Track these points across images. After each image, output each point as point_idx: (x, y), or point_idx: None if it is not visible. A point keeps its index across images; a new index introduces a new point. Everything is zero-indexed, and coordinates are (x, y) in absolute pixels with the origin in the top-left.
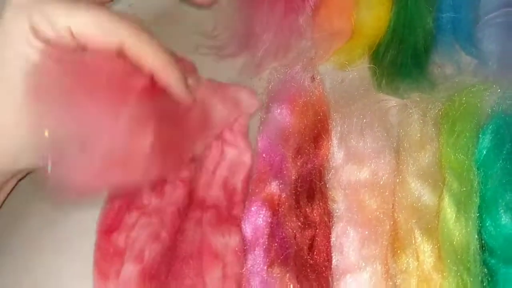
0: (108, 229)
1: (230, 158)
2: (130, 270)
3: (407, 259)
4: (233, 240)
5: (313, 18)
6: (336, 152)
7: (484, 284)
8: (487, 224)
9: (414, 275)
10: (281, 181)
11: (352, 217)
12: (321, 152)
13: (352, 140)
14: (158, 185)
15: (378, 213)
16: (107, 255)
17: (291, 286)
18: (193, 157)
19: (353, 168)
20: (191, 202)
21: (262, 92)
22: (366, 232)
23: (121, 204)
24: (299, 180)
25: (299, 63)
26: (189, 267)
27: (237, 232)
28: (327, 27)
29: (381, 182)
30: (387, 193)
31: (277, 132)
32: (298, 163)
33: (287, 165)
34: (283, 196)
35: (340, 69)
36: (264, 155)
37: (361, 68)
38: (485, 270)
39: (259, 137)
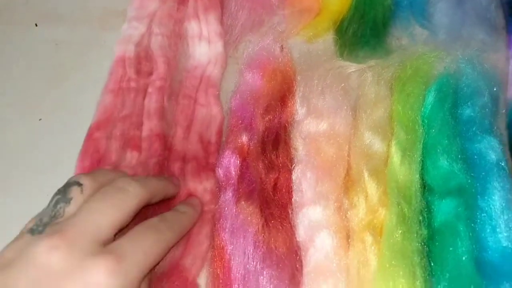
0: None
1: (202, 116)
2: None
3: (357, 196)
4: (209, 183)
5: None
6: (299, 109)
7: (423, 215)
8: (427, 166)
9: (362, 208)
10: (250, 133)
11: (310, 161)
12: (287, 109)
13: (313, 99)
14: (133, 140)
15: (333, 158)
16: None
17: (256, 215)
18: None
19: (313, 121)
20: (170, 154)
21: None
22: (321, 173)
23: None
24: (266, 132)
25: (271, 36)
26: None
27: (213, 177)
28: (297, 5)
29: (338, 133)
30: (342, 142)
31: (249, 93)
32: (266, 119)
33: (256, 120)
34: (251, 145)
35: (308, 41)
36: (236, 112)
37: (327, 40)
38: (424, 204)
39: (232, 97)
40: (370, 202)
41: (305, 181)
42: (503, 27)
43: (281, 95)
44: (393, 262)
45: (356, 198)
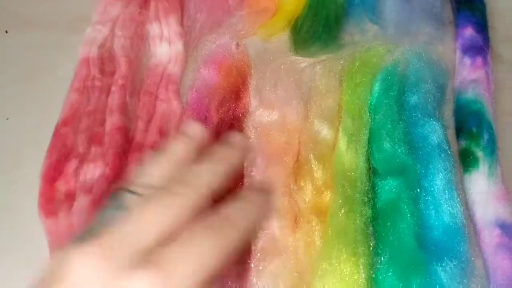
0: (52, 178)
1: (163, 110)
2: (82, 201)
3: (304, 179)
4: None
5: None
6: (252, 100)
7: (368, 196)
8: (372, 150)
9: (309, 191)
10: (206, 124)
11: (260, 148)
12: (241, 102)
13: (266, 91)
14: (97, 136)
15: (283, 145)
16: (52, 199)
17: None
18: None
19: (265, 112)
20: (131, 146)
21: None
22: (271, 160)
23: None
24: (221, 124)
25: (226, 35)
26: None
27: None
28: (254, 6)
29: (288, 122)
30: (292, 130)
31: (205, 87)
32: (220, 111)
33: (210, 112)
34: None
35: (264, 40)
36: (192, 105)
37: (282, 39)
38: (370, 186)
39: (189, 92)
40: (316, 185)
41: (255, 166)
42: (450, 22)
43: (235, 89)
44: (336, 241)
45: (303, 182)
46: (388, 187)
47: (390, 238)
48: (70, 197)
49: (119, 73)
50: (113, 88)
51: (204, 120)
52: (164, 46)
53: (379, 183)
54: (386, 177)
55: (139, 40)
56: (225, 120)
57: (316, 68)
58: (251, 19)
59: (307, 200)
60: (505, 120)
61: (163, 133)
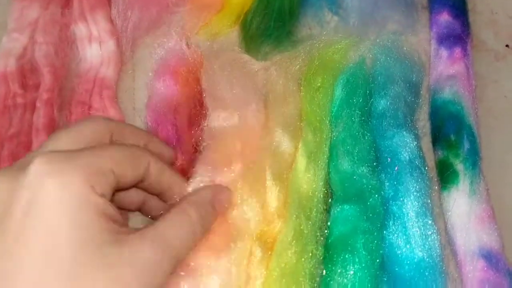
0: None
1: None
2: None
3: (253, 200)
4: None
5: None
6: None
7: (322, 230)
8: (330, 170)
9: (257, 216)
10: (181, 150)
11: (208, 154)
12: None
13: (219, 91)
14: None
15: (237, 153)
16: None
17: None
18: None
19: (221, 114)
20: None
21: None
22: (216, 168)
23: None
24: (197, 146)
25: (173, 36)
26: None
27: None
28: (197, 0)
29: (245, 128)
30: (251, 137)
31: (165, 104)
32: (192, 131)
33: (183, 134)
34: (186, 165)
35: (211, 39)
36: (155, 128)
37: (231, 36)
38: (325, 216)
39: (147, 113)
40: (268, 211)
41: (199, 173)
42: (424, 6)
43: (198, 98)
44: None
45: (253, 203)
46: (342, 217)
47: (339, 283)
48: None
49: (44, 86)
50: (38, 104)
51: (177, 143)
52: (94, 47)
53: (332, 211)
54: (340, 205)
55: (64, 44)
56: (200, 141)
57: (271, 70)
58: (194, 16)
59: (252, 227)
60: (490, 124)
61: None
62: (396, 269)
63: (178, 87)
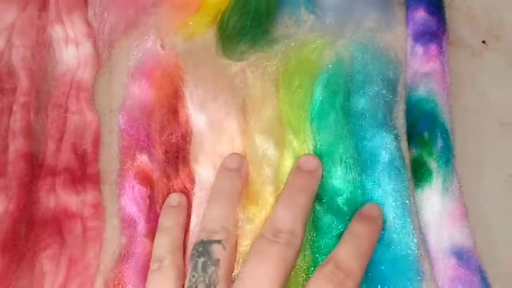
0: None
1: (75, 124)
2: None
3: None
4: (89, 196)
5: None
6: (194, 118)
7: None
8: None
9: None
10: (150, 156)
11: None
12: (181, 119)
13: (206, 102)
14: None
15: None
16: None
17: None
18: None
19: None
20: (41, 171)
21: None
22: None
23: None
24: (166, 153)
25: (149, 37)
26: (46, 232)
27: (93, 188)
28: (173, 0)
29: (231, 140)
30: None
31: (138, 108)
32: (164, 137)
33: (154, 140)
34: (154, 171)
35: (188, 39)
36: (128, 132)
37: (209, 37)
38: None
39: (120, 115)
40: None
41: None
42: (401, 2)
43: (172, 103)
44: None
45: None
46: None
47: None
48: None
49: (20, 90)
50: (14, 108)
51: (146, 151)
52: (71, 50)
53: (322, 216)
54: (329, 211)
55: (41, 47)
56: (170, 148)
57: (248, 72)
58: (171, 17)
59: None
60: (466, 121)
61: (77, 150)
62: (374, 267)
63: (153, 90)
